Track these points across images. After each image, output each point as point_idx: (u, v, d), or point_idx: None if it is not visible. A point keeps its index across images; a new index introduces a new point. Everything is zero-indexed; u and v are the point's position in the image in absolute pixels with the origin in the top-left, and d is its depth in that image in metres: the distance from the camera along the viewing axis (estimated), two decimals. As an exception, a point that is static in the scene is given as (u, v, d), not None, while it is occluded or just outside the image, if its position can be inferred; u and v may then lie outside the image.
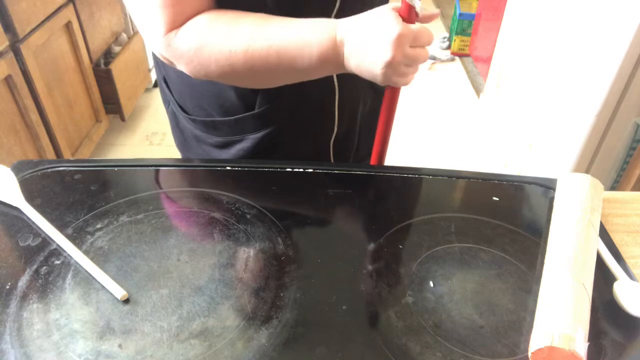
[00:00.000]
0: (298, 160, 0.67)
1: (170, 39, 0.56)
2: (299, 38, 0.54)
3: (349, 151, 0.78)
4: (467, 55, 2.85)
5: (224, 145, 0.72)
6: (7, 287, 0.48)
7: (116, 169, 0.64)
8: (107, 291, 0.48)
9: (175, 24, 0.56)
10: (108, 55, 2.10)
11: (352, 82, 0.68)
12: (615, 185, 1.38)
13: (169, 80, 0.73)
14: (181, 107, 0.74)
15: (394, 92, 0.61)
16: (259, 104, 0.67)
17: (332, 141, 0.74)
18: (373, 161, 0.70)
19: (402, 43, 0.52)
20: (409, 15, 0.53)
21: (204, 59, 0.56)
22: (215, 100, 0.68)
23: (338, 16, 0.59)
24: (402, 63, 0.53)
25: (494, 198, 0.62)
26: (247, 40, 0.55)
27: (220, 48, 0.55)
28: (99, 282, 0.49)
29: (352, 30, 0.54)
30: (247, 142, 0.70)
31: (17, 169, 0.63)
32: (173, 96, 0.75)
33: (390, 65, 0.52)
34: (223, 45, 0.55)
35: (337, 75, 0.67)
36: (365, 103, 0.76)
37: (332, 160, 0.77)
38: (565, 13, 1.41)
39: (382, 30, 0.52)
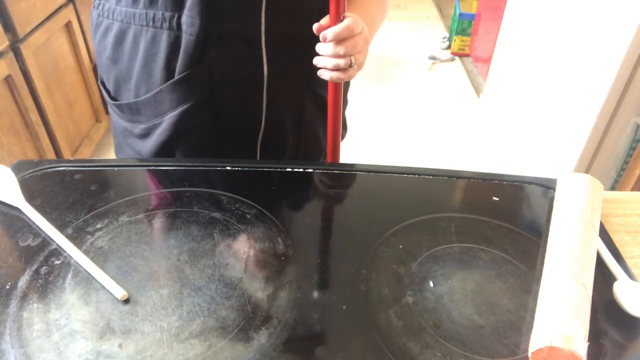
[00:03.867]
0: (222, 157, 0.68)
1: None
2: None
3: (282, 144, 0.77)
4: (467, 55, 2.85)
5: (146, 134, 0.72)
6: (7, 287, 0.48)
7: (116, 169, 0.64)
8: (107, 291, 0.48)
9: None
10: (108, 55, 2.09)
11: (283, 64, 0.69)
12: (615, 185, 1.38)
13: (100, 68, 0.75)
14: (111, 97, 0.75)
15: (336, 86, 0.65)
16: (177, 71, 0.67)
17: (260, 137, 0.74)
18: (329, 159, 0.72)
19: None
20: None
21: None
22: (141, 76, 0.69)
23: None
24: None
25: (494, 198, 0.62)
26: None
27: None
28: (99, 282, 0.49)
29: None
30: (166, 124, 0.70)
31: (17, 169, 0.63)
32: (105, 88, 0.76)
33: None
34: None
35: (267, 51, 0.67)
36: (301, 95, 0.75)
37: (258, 157, 0.76)
38: (565, 13, 1.41)
39: None
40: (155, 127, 0.71)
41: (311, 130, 0.78)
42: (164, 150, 0.72)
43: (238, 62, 0.67)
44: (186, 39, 0.64)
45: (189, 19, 0.63)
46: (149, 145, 0.72)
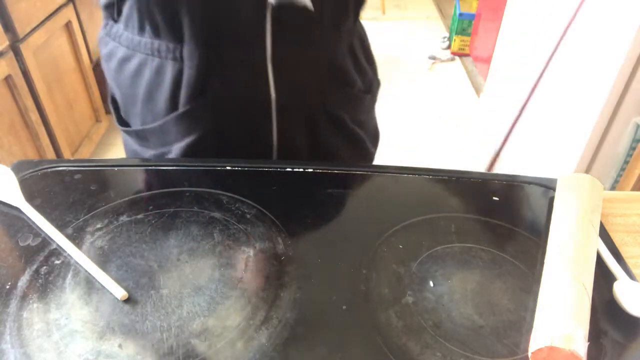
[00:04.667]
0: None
1: None
2: None
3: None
4: (467, 55, 2.85)
5: (157, 160, 0.71)
6: (7, 287, 0.48)
7: (116, 169, 0.64)
8: (107, 291, 0.48)
9: None
10: (108, 55, 2.09)
11: (292, 89, 0.65)
12: (615, 185, 1.38)
13: (114, 92, 0.73)
14: (121, 119, 0.74)
15: None
16: (181, 103, 0.65)
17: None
18: None
19: None
20: None
21: None
22: (146, 105, 0.68)
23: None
24: None
25: (494, 198, 0.62)
26: None
27: None
28: (99, 282, 0.49)
29: None
30: (174, 154, 0.69)
31: (17, 168, 0.63)
32: (117, 111, 0.75)
33: None
34: None
35: (275, 77, 0.64)
36: (313, 118, 0.70)
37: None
38: (565, 13, 1.41)
39: None
40: (164, 154, 0.70)
41: (329, 152, 0.74)
42: None
43: (243, 90, 0.65)
44: (187, 71, 0.62)
45: (189, 50, 0.61)
46: None
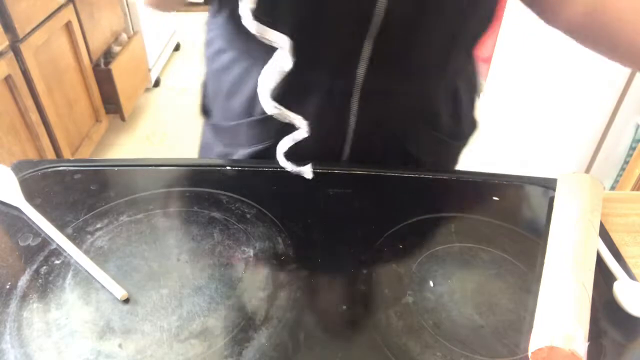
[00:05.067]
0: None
1: None
2: None
3: None
4: (467, 55, 2.84)
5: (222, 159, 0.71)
6: (7, 286, 0.48)
7: (116, 168, 0.64)
8: (107, 291, 0.48)
9: None
10: (108, 55, 2.10)
11: (375, 121, 0.61)
12: (615, 184, 1.38)
13: (207, 79, 0.72)
14: (204, 109, 0.74)
15: None
16: (257, 111, 0.64)
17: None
18: None
19: None
20: None
21: None
22: (227, 102, 0.67)
23: (379, 38, 0.54)
24: None
25: (494, 198, 0.62)
26: None
27: None
28: (99, 282, 0.49)
29: None
30: (236, 157, 0.69)
31: (17, 168, 0.63)
32: (203, 99, 0.74)
33: None
34: None
35: (359, 107, 0.60)
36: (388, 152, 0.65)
37: None
38: (565, 13, 1.40)
39: None
40: (227, 155, 0.70)
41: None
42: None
43: (322, 112, 0.61)
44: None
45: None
46: None
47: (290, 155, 0.62)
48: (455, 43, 0.60)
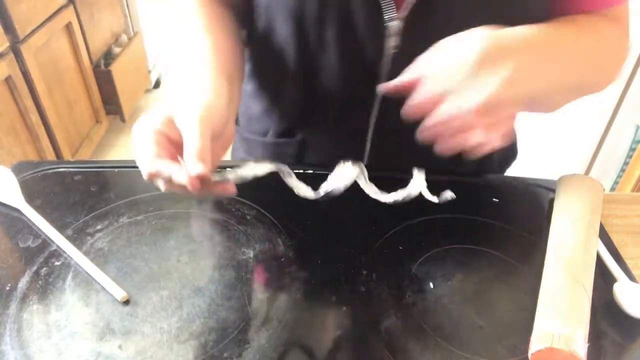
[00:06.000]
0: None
1: None
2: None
3: None
4: (467, 56, 2.84)
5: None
6: (7, 288, 0.48)
7: (116, 170, 0.64)
8: (107, 292, 0.48)
9: None
10: (108, 56, 2.10)
11: (387, 156, 0.60)
12: (615, 186, 1.38)
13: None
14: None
15: None
16: (271, 134, 0.64)
17: None
18: None
19: None
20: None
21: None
22: (248, 114, 0.68)
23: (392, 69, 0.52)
24: None
25: (494, 199, 0.62)
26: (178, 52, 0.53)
27: (174, 28, 0.55)
28: (99, 283, 0.49)
29: None
30: None
31: (17, 169, 0.63)
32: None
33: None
34: (175, 30, 0.55)
35: (372, 143, 0.60)
36: None
37: None
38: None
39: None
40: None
41: None
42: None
43: (333, 147, 0.61)
44: (282, 105, 0.61)
45: (290, 92, 0.59)
46: None
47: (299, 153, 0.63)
48: None
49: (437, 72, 0.44)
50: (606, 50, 0.53)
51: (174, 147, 0.43)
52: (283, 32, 0.55)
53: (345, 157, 0.52)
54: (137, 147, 0.42)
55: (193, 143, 0.40)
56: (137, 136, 0.43)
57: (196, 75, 0.47)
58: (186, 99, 0.43)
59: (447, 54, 0.44)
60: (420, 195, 0.61)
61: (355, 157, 0.56)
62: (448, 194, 0.49)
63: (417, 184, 0.46)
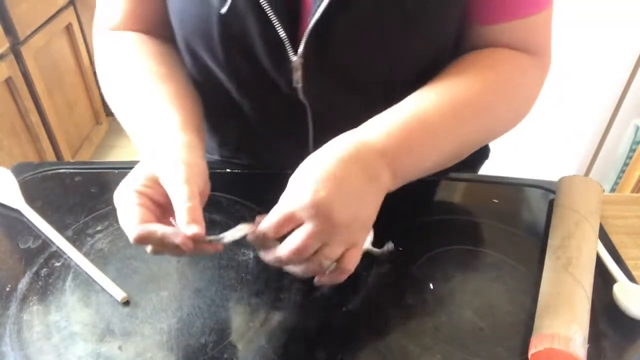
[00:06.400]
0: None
1: (103, 32, 0.58)
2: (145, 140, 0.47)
3: None
4: (467, 57, 2.84)
5: None
6: (7, 289, 0.48)
7: (116, 171, 0.64)
8: (107, 293, 0.48)
9: (122, 24, 0.57)
10: (108, 58, 2.10)
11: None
12: (615, 187, 1.38)
13: None
14: None
15: None
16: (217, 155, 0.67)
17: None
18: None
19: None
20: None
21: (100, 76, 0.56)
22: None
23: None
24: None
25: (494, 200, 0.62)
26: (123, 103, 0.52)
27: (110, 82, 0.54)
28: (99, 284, 0.49)
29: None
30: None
31: (17, 171, 0.63)
32: None
33: None
34: (112, 84, 0.54)
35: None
36: None
37: None
38: (564, 15, 1.41)
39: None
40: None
41: None
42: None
43: (280, 162, 0.62)
44: (222, 136, 0.65)
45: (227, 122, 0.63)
46: None
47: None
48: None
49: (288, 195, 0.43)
50: (509, 104, 0.54)
51: (159, 209, 0.43)
52: (203, 68, 0.56)
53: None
54: (121, 211, 0.41)
55: (184, 205, 0.40)
56: (120, 200, 0.41)
57: (166, 129, 0.46)
58: (165, 158, 0.42)
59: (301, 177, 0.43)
60: (420, 197, 0.61)
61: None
62: (390, 245, 0.51)
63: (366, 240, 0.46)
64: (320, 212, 0.40)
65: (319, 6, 0.47)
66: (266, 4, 0.47)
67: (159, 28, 0.58)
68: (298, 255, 0.41)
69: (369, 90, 0.55)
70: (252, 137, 0.63)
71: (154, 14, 0.57)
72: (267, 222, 0.42)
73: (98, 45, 0.58)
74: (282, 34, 0.49)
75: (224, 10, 0.48)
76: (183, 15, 0.52)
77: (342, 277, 0.44)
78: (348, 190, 0.41)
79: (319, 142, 0.56)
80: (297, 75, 0.52)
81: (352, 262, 0.43)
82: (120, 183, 0.43)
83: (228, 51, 0.52)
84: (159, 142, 0.45)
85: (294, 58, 0.50)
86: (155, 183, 0.42)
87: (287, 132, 0.61)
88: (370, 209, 0.44)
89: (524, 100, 0.55)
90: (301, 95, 0.54)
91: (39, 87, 1.55)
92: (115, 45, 0.56)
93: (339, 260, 0.43)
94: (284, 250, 0.42)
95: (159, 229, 0.39)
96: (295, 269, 0.44)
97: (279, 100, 0.56)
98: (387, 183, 0.45)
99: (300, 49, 0.50)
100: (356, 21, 0.48)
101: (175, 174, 0.41)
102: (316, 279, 0.45)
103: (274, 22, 0.48)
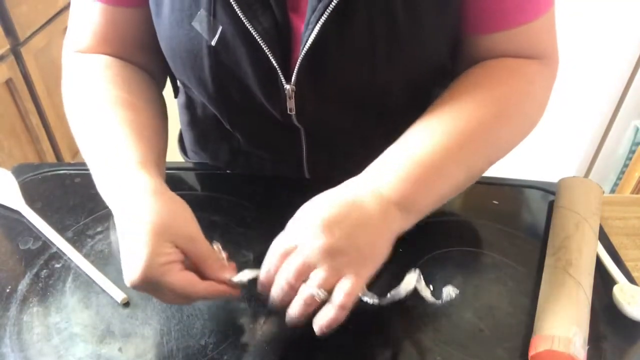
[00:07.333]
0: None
1: (71, 53, 0.56)
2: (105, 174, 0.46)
3: None
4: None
5: None
6: (7, 290, 0.48)
7: (116, 172, 0.64)
8: (108, 294, 0.48)
9: (91, 47, 0.55)
10: (108, 59, 2.10)
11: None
12: (614, 188, 1.38)
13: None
14: None
15: None
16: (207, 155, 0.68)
17: None
18: None
19: None
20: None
21: (64, 99, 0.54)
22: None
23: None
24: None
25: (494, 201, 0.62)
26: (86, 132, 0.50)
27: (71, 107, 0.52)
28: (99, 286, 0.49)
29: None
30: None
31: (18, 172, 0.63)
32: None
33: None
34: (72, 109, 0.52)
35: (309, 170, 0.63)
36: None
37: None
38: (564, 16, 1.41)
39: None
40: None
41: None
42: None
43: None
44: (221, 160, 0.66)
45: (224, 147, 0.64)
46: None
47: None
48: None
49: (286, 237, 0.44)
50: (519, 120, 0.52)
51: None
52: (194, 99, 0.58)
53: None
54: (168, 286, 0.39)
55: (211, 257, 0.43)
56: (160, 276, 0.39)
57: (125, 169, 0.45)
58: (161, 217, 0.41)
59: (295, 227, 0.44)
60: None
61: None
62: (450, 290, 0.44)
63: (410, 282, 0.43)
64: (310, 231, 0.41)
65: (310, 34, 0.46)
66: (256, 33, 0.46)
67: (133, 54, 0.56)
68: (290, 278, 0.40)
69: (363, 110, 0.55)
70: (245, 158, 0.64)
71: (129, 39, 0.55)
72: (265, 262, 0.44)
73: (65, 66, 0.57)
74: (274, 62, 0.48)
75: (213, 42, 0.48)
76: (173, 51, 0.52)
77: (339, 314, 0.40)
78: (347, 219, 0.41)
79: (313, 161, 0.57)
80: (291, 103, 0.52)
81: (346, 294, 0.40)
82: (133, 266, 0.39)
83: (219, 83, 0.51)
84: (125, 192, 0.44)
85: (287, 86, 0.50)
86: (174, 244, 0.41)
87: (281, 154, 0.62)
88: (372, 237, 0.43)
89: (533, 111, 0.54)
90: (295, 121, 0.54)
91: (39, 89, 1.55)
92: (81, 69, 0.54)
93: (332, 293, 0.40)
94: (277, 277, 0.42)
95: (214, 286, 0.42)
96: (291, 311, 0.41)
97: (272, 127, 0.56)
98: (397, 218, 0.44)
99: (294, 78, 0.49)
100: (349, 46, 0.48)
101: (190, 233, 0.42)
102: (316, 328, 0.40)
103: (265, 51, 0.47)
